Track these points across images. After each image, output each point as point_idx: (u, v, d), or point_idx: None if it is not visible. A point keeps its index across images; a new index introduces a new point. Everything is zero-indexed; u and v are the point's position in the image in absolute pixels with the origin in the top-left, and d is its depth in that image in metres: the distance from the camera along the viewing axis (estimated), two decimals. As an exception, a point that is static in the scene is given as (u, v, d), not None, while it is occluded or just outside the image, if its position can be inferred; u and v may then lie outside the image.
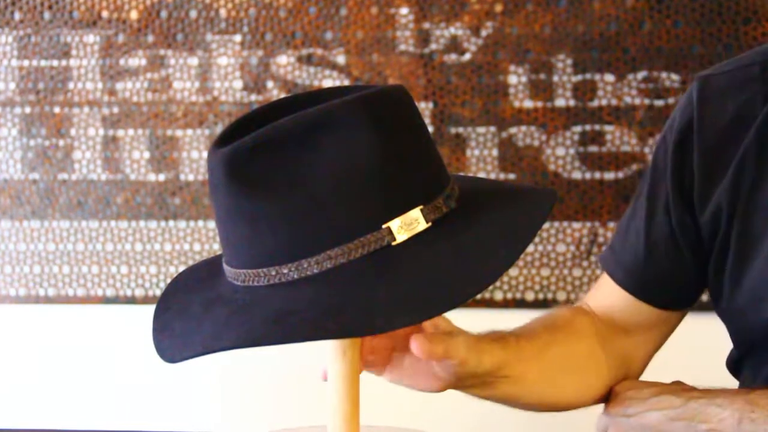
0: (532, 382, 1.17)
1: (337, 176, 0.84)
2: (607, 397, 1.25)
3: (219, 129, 2.24)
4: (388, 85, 0.92)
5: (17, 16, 2.29)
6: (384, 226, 0.85)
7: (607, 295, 1.31)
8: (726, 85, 1.22)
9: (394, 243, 0.85)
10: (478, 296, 2.16)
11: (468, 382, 1.10)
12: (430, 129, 2.17)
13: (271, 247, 0.86)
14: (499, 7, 2.16)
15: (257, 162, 0.86)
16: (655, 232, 1.26)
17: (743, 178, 1.19)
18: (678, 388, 1.20)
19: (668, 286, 1.27)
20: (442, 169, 0.92)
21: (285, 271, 0.86)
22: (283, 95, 2.21)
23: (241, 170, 0.87)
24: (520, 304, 2.17)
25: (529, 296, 2.17)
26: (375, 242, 0.84)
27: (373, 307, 0.82)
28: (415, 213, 0.86)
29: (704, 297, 2.07)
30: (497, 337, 1.14)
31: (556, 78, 2.15)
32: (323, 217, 0.84)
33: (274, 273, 0.87)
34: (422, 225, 0.86)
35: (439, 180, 0.90)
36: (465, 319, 2.24)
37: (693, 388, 1.19)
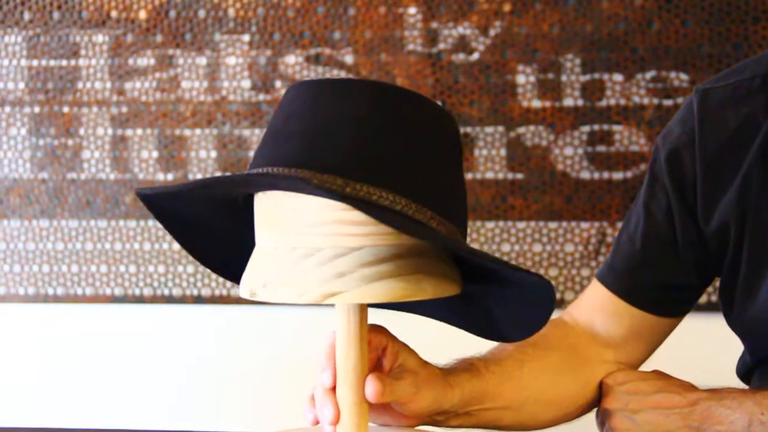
0: (509, 403, 1.18)
1: (282, 121, 1.00)
2: (597, 398, 1.25)
3: (227, 129, 2.24)
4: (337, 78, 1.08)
5: (26, 16, 2.29)
6: (265, 170, 0.98)
7: (594, 301, 1.29)
8: (727, 97, 1.22)
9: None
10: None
11: (440, 417, 1.12)
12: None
13: None
14: (507, 7, 2.16)
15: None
16: (653, 238, 1.25)
17: (749, 192, 1.18)
18: (676, 384, 1.20)
19: (661, 291, 1.26)
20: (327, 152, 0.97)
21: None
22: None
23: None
24: (528, 303, 2.16)
25: (537, 296, 2.16)
26: (257, 176, 0.99)
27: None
28: (275, 170, 0.99)
29: (709, 298, 2.07)
30: (466, 366, 1.16)
31: (564, 78, 2.15)
32: (262, 148, 1.01)
33: None
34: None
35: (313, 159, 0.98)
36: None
37: (693, 387, 1.19)
